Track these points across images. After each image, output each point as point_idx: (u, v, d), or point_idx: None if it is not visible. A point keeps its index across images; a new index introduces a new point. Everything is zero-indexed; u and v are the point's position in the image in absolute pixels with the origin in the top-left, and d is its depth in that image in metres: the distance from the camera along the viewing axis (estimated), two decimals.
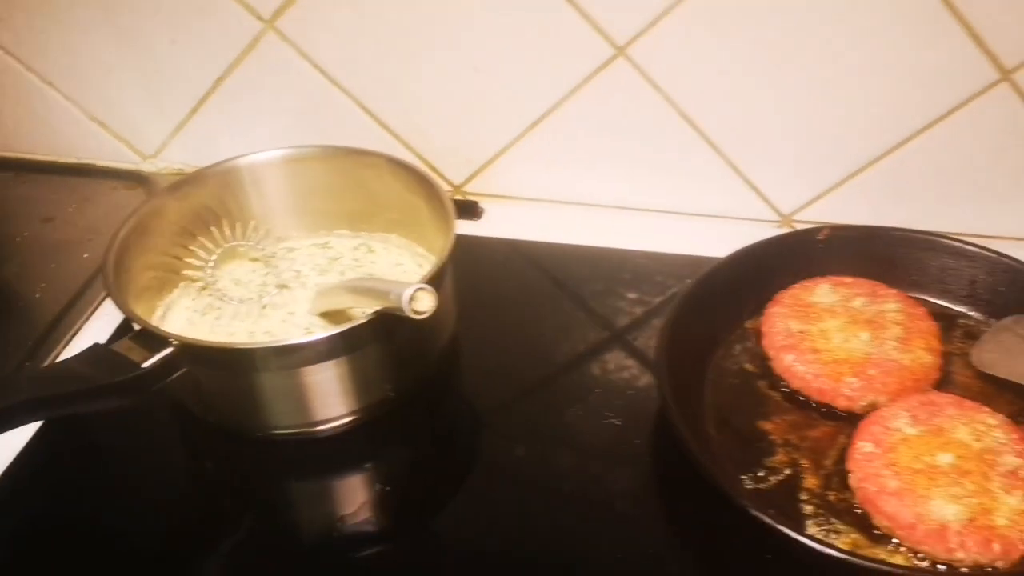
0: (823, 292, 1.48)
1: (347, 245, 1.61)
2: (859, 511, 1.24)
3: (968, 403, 1.31)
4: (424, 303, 1.15)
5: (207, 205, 1.52)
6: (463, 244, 1.53)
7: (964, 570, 1.17)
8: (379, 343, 1.31)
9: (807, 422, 1.36)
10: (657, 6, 1.55)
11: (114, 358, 1.23)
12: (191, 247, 1.48)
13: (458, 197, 1.84)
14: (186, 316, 1.49)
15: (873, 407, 1.34)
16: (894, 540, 1.20)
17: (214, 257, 1.48)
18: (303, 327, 1.42)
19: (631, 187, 1.76)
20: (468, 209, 1.81)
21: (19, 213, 1.82)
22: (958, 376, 1.42)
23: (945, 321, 1.48)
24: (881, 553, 1.19)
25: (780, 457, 1.32)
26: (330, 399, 1.34)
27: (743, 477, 1.29)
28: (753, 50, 1.57)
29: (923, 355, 1.39)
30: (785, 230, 1.70)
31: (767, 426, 1.36)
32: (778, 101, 1.61)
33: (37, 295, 1.64)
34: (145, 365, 1.22)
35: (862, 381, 1.36)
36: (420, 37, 1.66)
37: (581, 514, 1.29)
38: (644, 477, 1.34)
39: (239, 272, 1.55)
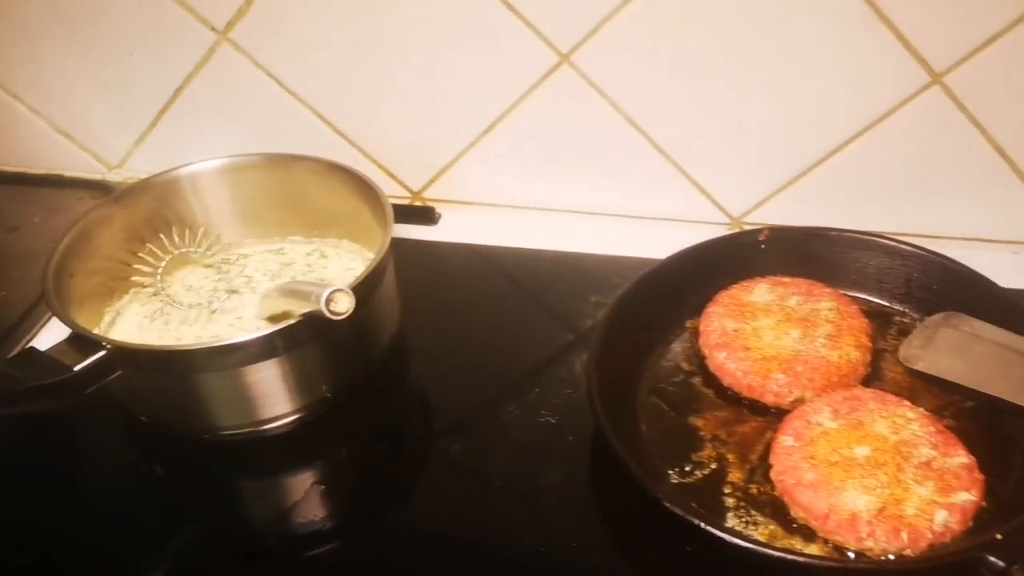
0: (761, 292, 1.51)
1: (300, 251, 1.65)
2: (779, 503, 1.27)
3: (890, 397, 1.33)
4: (341, 304, 1.19)
5: (159, 213, 1.55)
6: (419, 248, 1.57)
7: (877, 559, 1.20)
8: (316, 343, 1.34)
9: (737, 418, 1.39)
10: (597, 15, 1.58)
11: (46, 361, 1.26)
12: (141, 254, 1.51)
13: (417, 203, 1.87)
14: (136, 322, 1.52)
15: (800, 402, 1.37)
16: (810, 531, 1.23)
17: (163, 263, 1.50)
18: (250, 331, 1.42)
19: (585, 191, 1.79)
20: (424, 214, 1.84)
21: None
22: (888, 372, 1.44)
23: (882, 319, 1.52)
24: (797, 543, 1.22)
25: (707, 452, 1.34)
26: (272, 399, 1.37)
27: (670, 472, 1.31)
28: (694, 57, 1.60)
29: (851, 352, 1.41)
30: (736, 232, 1.72)
31: (698, 422, 1.39)
32: (721, 106, 1.64)
33: None
34: (77, 368, 1.25)
35: (789, 377, 1.38)
36: (370, 46, 1.69)
37: (510, 508, 1.32)
38: (574, 472, 1.37)
39: (191, 278, 1.59)
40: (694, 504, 1.26)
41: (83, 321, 1.38)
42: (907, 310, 1.54)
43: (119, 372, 1.28)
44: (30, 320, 1.61)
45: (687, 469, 1.32)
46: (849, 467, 1.24)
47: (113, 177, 1.94)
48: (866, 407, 1.32)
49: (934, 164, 1.62)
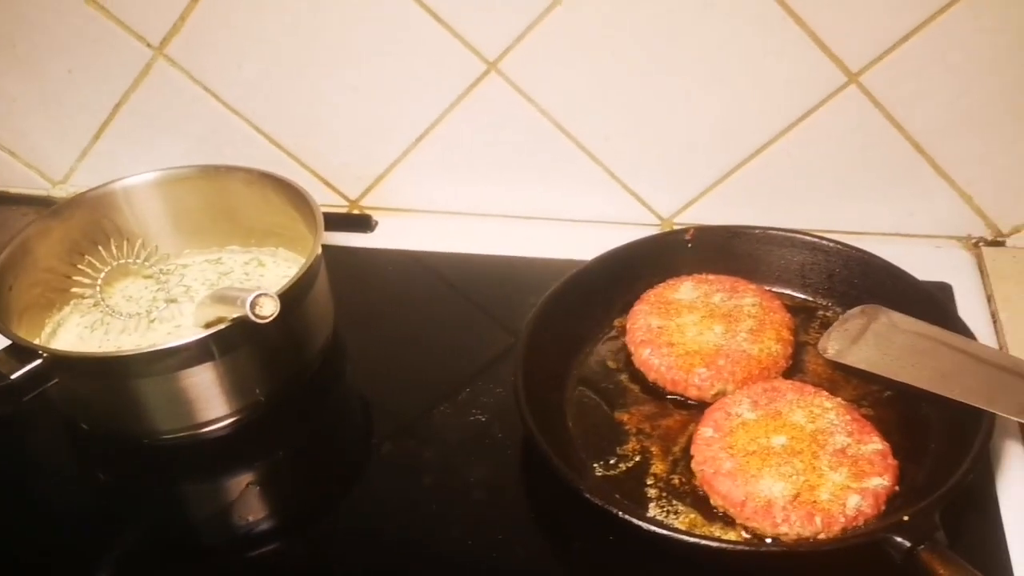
0: (686, 289, 1.54)
1: (238, 260, 1.68)
2: (700, 493, 1.30)
3: (808, 388, 1.37)
4: (266, 308, 1.23)
5: (97, 226, 1.58)
6: (356, 255, 1.60)
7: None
8: (249, 346, 1.38)
9: (661, 412, 1.43)
10: (522, 23, 1.62)
11: None
12: (80, 266, 1.53)
13: (355, 211, 1.90)
14: (77, 332, 1.55)
15: (722, 395, 1.41)
16: (729, 518, 1.27)
17: (102, 275, 1.53)
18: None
19: (519, 196, 1.83)
20: (361, 222, 1.87)
21: None
22: (810, 364, 1.49)
23: (805, 313, 1.56)
24: (717, 531, 1.26)
25: (632, 445, 1.38)
26: (208, 402, 1.40)
27: (595, 465, 1.35)
28: (616, 63, 1.64)
29: (772, 345, 1.45)
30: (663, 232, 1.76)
31: (624, 416, 1.42)
32: (647, 110, 1.68)
33: None
34: (14, 376, 1.28)
35: (711, 371, 1.42)
36: (299, 59, 1.73)
37: (440, 504, 1.36)
38: (503, 468, 1.40)
39: (131, 289, 1.62)
40: (617, 495, 1.29)
41: (24, 332, 1.40)
42: (830, 304, 1.57)
43: (56, 380, 1.31)
44: None
45: (611, 462, 1.36)
46: (766, 456, 1.28)
47: (58, 193, 1.96)
48: (784, 398, 1.35)
49: (854, 161, 1.66)
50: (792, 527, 1.22)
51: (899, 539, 1.14)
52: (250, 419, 1.43)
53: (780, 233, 1.60)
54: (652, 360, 1.45)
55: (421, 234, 1.82)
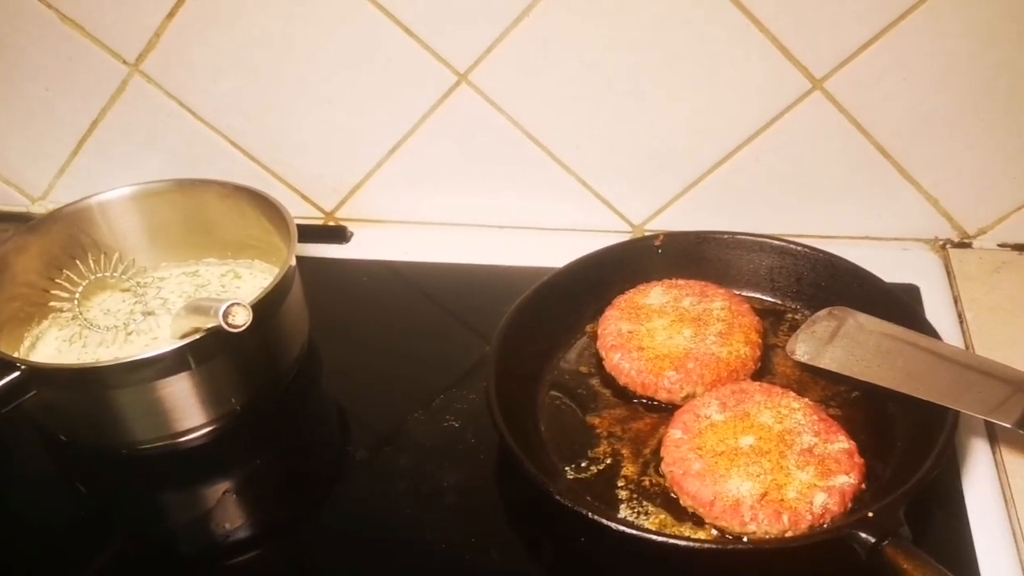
0: (656, 294, 1.56)
1: (215, 272, 1.70)
2: (670, 494, 1.32)
3: (776, 389, 1.39)
4: (239, 318, 1.25)
5: (75, 240, 1.60)
6: (332, 266, 1.62)
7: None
8: (224, 355, 1.39)
9: (632, 415, 1.45)
10: (490, 35, 1.64)
11: None
12: (58, 280, 1.55)
13: (330, 223, 1.91)
14: (55, 345, 1.57)
15: (692, 398, 1.43)
16: (699, 518, 1.29)
17: (80, 288, 1.55)
18: None
19: (492, 206, 1.85)
20: (336, 234, 1.89)
21: None
22: (779, 366, 1.51)
23: (774, 316, 1.58)
24: (687, 531, 1.28)
25: (603, 448, 1.40)
26: (185, 412, 1.41)
27: (566, 468, 1.37)
28: (586, 72, 1.66)
29: (741, 348, 1.47)
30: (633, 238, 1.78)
31: (595, 420, 1.44)
32: (616, 118, 1.70)
33: None
34: None
35: (680, 374, 1.44)
36: (274, 73, 1.74)
37: (414, 508, 1.37)
38: (475, 473, 1.41)
39: (109, 302, 1.63)
40: (589, 498, 1.31)
41: (2, 346, 1.42)
42: (798, 307, 1.60)
43: (34, 392, 1.32)
44: None
45: (583, 465, 1.38)
46: (734, 456, 1.30)
47: (37, 209, 1.97)
48: (752, 399, 1.37)
49: (821, 166, 1.69)
50: (760, 525, 1.24)
51: (864, 535, 1.16)
52: (226, 428, 1.44)
53: (749, 238, 1.62)
54: (623, 364, 1.47)
55: (395, 244, 1.84)
